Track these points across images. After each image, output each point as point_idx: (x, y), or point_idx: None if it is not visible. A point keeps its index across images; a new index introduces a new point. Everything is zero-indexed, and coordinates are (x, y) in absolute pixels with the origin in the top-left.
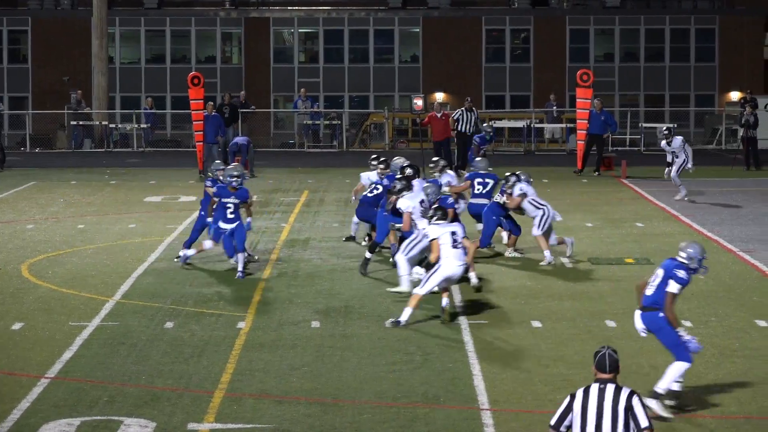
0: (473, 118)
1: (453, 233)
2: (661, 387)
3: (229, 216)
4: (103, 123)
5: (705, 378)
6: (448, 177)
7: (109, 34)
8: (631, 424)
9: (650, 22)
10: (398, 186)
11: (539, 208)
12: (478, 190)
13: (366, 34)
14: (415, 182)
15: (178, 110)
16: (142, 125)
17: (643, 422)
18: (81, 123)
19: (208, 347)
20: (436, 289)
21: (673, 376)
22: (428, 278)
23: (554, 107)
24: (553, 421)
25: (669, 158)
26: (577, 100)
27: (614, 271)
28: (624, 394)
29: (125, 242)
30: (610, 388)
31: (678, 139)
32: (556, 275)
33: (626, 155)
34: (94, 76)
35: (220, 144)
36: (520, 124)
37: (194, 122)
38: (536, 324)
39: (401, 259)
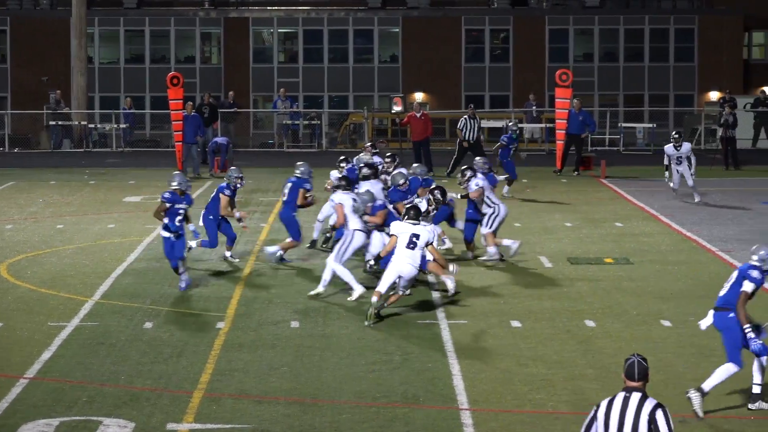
0: (476, 125)
1: (414, 235)
2: (707, 385)
3: (177, 223)
4: (82, 123)
5: (684, 377)
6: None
7: (88, 34)
8: None
9: (629, 22)
10: (336, 181)
11: (490, 206)
12: None
13: (345, 34)
14: (372, 182)
15: (158, 110)
16: (121, 125)
17: None
18: (60, 123)
19: (188, 347)
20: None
21: (720, 377)
22: (382, 277)
23: (534, 107)
24: (581, 431)
25: (666, 161)
26: (556, 100)
27: (593, 271)
28: (648, 405)
29: (104, 242)
30: (635, 398)
31: (687, 145)
32: (536, 275)
33: (606, 155)
34: (73, 76)
35: (199, 144)
36: (499, 123)
37: (173, 122)
38: (515, 324)
39: (338, 267)
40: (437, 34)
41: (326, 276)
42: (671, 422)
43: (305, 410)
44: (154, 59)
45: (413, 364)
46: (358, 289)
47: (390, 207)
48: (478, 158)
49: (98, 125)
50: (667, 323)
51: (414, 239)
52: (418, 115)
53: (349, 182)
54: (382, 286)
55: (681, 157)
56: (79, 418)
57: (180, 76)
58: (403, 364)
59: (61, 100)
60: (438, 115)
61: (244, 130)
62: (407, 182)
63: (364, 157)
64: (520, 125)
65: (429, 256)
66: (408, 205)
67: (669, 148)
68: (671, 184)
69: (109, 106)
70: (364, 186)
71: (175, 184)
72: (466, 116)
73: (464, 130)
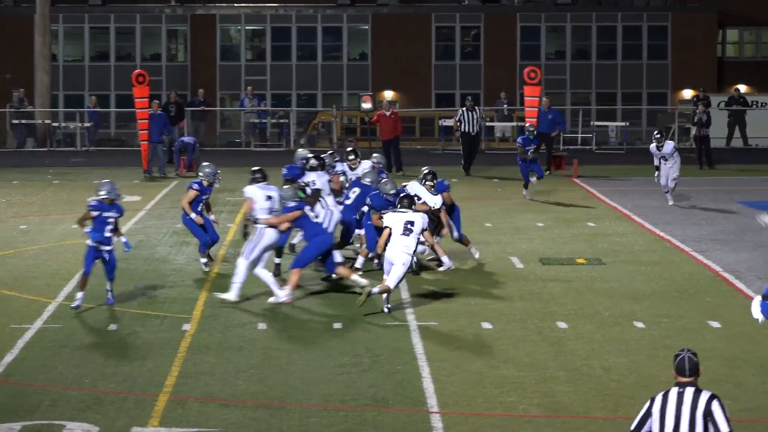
0: (476, 117)
1: (409, 222)
2: None
3: (108, 234)
4: (46, 122)
5: (657, 379)
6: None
7: (52, 31)
8: (711, 430)
9: (602, 19)
10: (254, 175)
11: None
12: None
13: (314, 31)
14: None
15: (123, 109)
16: (86, 124)
17: (723, 428)
18: (23, 122)
19: (153, 350)
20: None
21: None
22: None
23: (505, 105)
24: (633, 426)
25: (656, 162)
26: (525, 98)
27: (565, 272)
28: (704, 398)
29: (68, 243)
30: (689, 392)
31: (670, 144)
32: (507, 276)
33: (578, 154)
34: (37, 74)
35: (165, 143)
36: None
37: (139, 121)
38: (486, 325)
39: (242, 263)
40: (407, 31)
41: (237, 279)
42: (728, 412)
43: (272, 414)
44: (119, 57)
45: (382, 367)
46: (232, 295)
47: (335, 210)
48: (375, 154)
49: (62, 124)
50: (640, 325)
51: (409, 225)
52: (388, 113)
53: (265, 176)
54: (390, 281)
55: (666, 156)
56: (42, 422)
57: (146, 74)
58: (372, 367)
59: (25, 98)
60: (408, 113)
61: (210, 128)
62: (396, 191)
63: (302, 151)
64: (489, 123)
65: (423, 240)
66: (402, 194)
67: (652, 147)
68: (663, 184)
69: (73, 105)
70: (309, 177)
71: (103, 192)
72: (463, 108)
73: (463, 123)
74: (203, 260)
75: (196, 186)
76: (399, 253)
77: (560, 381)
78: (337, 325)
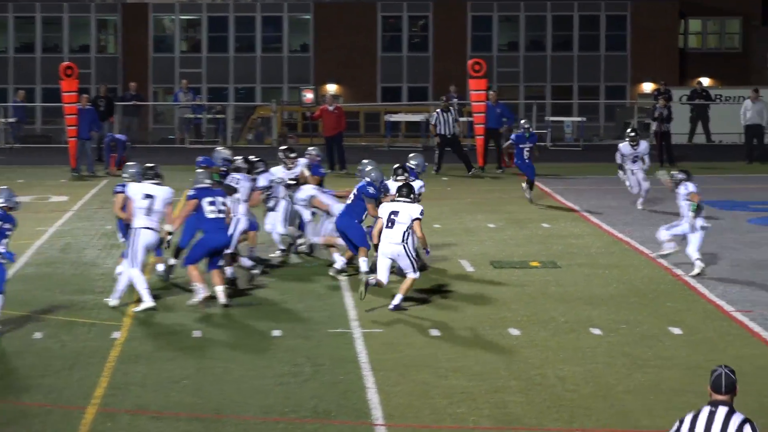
0: (451, 117)
1: (393, 212)
2: None
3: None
4: None
5: (615, 389)
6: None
7: None
8: None
9: (557, 9)
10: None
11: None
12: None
13: (252, 21)
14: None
15: (49, 103)
16: (10, 119)
17: None
18: None
19: (81, 359)
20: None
21: None
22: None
23: (455, 100)
24: None
25: (619, 159)
26: (471, 92)
27: (518, 276)
28: (735, 421)
29: None
30: (722, 412)
31: (644, 144)
32: (456, 280)
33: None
34: None
35: (95, 140)
36: (418, 117)
37: (67, 116)
38: (434, 332)
39: (133, 273)
40: (351, 21)
41: (121, 285)
42: None
43: (207, 426)
44: (46, 48)
45: (324, 377)
46: (147, 302)
47: (243, 219)
48: (310, 148)
49: None
50: (596, 331)
51: (392, 216)
52: (331, 108)
53: (156, 174)
54: (380, 275)
55: (637, 156)
56: None
57: (74, 66)
58: (313, 377)
59: None
60: (352, 108)
61: (142, 124)
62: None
63: (224, 151)
64: (418, 119)
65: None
66: (402, 184)
67: (625, 146)
68: (628, 184)
69: None
70: (233, 178)
71: (1, 200)
72: (438, 109)
73: (438, 125)
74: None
75: (120, 188)
76: (387, 246)
77: (512, 391)
78: (276, 333)
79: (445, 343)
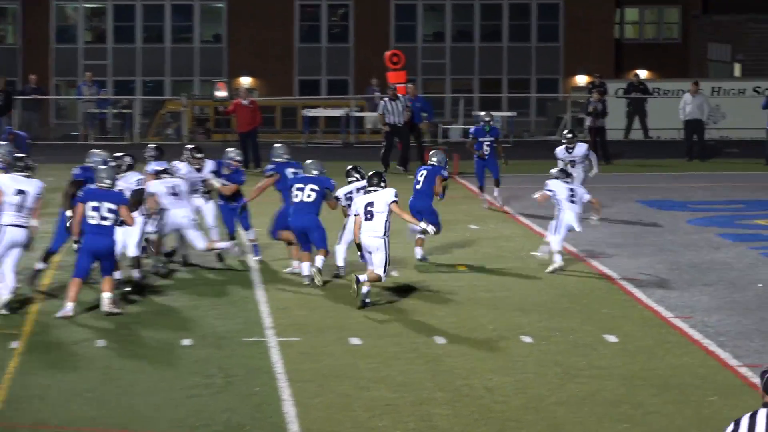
0: (401, 106)
1: (369, 204)
2: None
3: None
4: None
5: (547, 400)
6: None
7: None
8: None
9: None
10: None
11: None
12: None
13: (161, 9)
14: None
15: None
16: None
17: None
18: None
19: None
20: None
21: None
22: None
23: (376, 93)
24: None
25: (561, 165)
26: (389, 85)
27: (445, 280)
28: None
29: None
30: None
31: (582, 146)
32: (378, 285)
33: (458, 148)
34: None
35: None
36: (337, 112)
37: None
38: (355, 341)
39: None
40: (267, 10)
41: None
42: None
43: None
44: None
45: (238, 388)
46: (68, 309)
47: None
48: (229, 150)
49: None
50: (527, 339)
51: (369, 208)
52: (246, 102)
53: (27, 166)
54: (377, 269)
55: (575, 161)
56: None
57: None
58: (226, 388)
59: None
60: (268, 102)
61: (43, 119)
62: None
63: (99, 153)
64: (358, 113)
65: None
66: (372, 173)
67: (560, 151)
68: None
69: None
70: (130, 177)
71: None
72: (386, 98)
73: (387, 114)
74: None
75: None
76: (370, 239)
77: (438, 403)
78: (186, 342)
79: (367, 352)
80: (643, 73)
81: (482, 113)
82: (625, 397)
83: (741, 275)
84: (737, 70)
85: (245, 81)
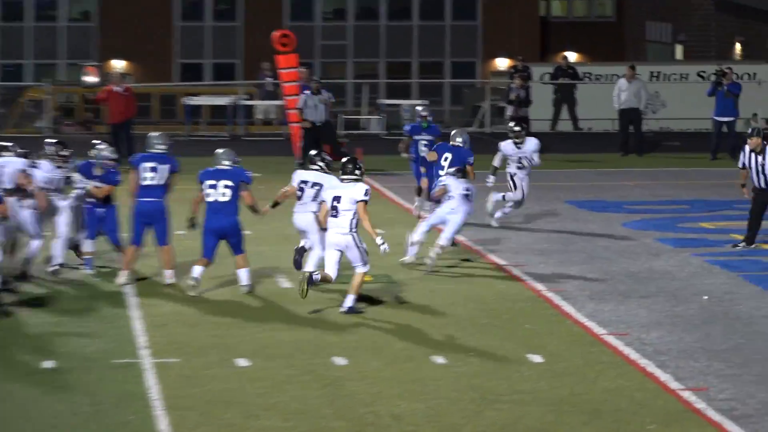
0: (325, 101)
1: (335, 198)
2: None
3: None
4: None
5: (462, 429)
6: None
7: None
8: None
9: None
10: None
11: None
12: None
13: None
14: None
15: None
16: None
17: None
18: None
19: None
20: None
21: None
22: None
23: (269, 79)
24: None
25: (497, 162)
26: (279, 71)
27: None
28: None
29: None
30: None
31: (533, 142)
32: (269, 298)
33: (362, 141)
34: None
35: None
36: (224, 100)
37: None
38: (242, 362)
39: None
40: None
41: None
42: None
43: None
44: None
45: (108, 417)
46: None
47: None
48: (100, 145)
49: None
50: (440, 360)
51: (334, 203)
52: (119, 89)
53: None
54: (328, 268)
55: (522, 157)
56: None
57: None
58: (94, 417)
59: None
60: (144, 89)
61: None
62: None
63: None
64: (247, 102)
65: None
66: (347, 159)
67: (507, 146)
68: (510, 195)
69: None
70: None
71: None
72: (306, 91)
73: (306, 110)
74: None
75: None
76: (336, 236)
77: None
78: (47, 364)
79: (256, 374)
80: (572, 56)
81: (419, 107)
82: (552, 426)
83: (683, 286)
84: (679, 52)
85: (118, 65)
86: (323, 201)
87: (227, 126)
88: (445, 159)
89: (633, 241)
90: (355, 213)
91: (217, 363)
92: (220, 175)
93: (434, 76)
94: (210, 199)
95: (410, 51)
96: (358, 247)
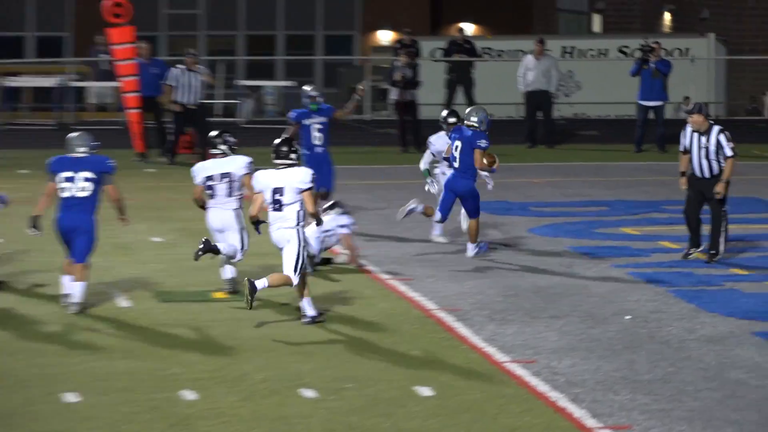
0: (197, 82)
1: (276, 191)
2: None
3: None
4: None
5: None
6: None
7: None
8: None
9: None
10: None
11: None
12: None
13: None
14: None
15: None
16: None
17: None
18: None
19: None
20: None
21: None
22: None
23: (103, 56)
24: None
25: (426, 162)
26: (113, 47)
27: (198, 313)
28: None
29: None
30: None
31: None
32: (105, 319)
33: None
34: None
35: None
36: (49, 82)
37: None
38: (70, 397)
39: None
40: None
41: None
42: None
43: None
44: None
45: None
46: None
47: None
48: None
49: None
50: (310, 393)
51: (277, 196)
52: None
53: None
54: (287, 270)
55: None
56: None
57: None
58: None
59: None
60: None
61: None
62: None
63: None
64: (78, 83)
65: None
66: (281, 140)
67: (439, 138)
68: (435, 192)
69: None
70: None
71: None
72: (180, 67)
73: (178, 89)
74: None
75: None
76: (280, 232)
77: None
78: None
79: (87, 413)
80: (469, 28)
81: (307, 87)
82: None
83: (602, 303)
84: (597, 23)
85: None
86: (259, 191)
87: (54, 112)
88: (456, 148)
89: (541, 250)
90: (301, 203)
91: (39, 398)
92: (77, 165)
93: (304, 52)
94: (65, 194)
95: (274, 22)
96: (298, 244)
